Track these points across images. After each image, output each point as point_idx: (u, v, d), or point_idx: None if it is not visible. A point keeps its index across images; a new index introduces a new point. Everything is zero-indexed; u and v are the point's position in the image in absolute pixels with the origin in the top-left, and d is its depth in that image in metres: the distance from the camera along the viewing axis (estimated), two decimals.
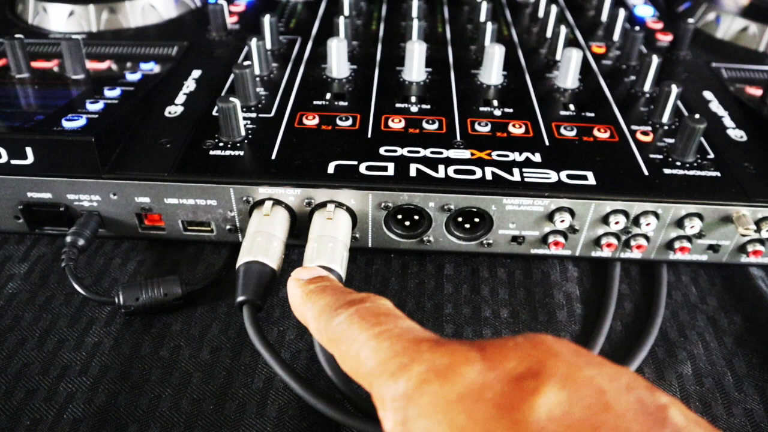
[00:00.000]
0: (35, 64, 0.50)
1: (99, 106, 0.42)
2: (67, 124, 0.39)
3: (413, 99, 0.48)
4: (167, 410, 0.33)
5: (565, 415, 0.19)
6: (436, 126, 0.44)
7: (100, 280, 0.41)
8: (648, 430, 0.19)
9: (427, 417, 0.21)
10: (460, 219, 0.41)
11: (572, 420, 0.19)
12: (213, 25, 0.58)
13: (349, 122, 0.44)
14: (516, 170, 0.40)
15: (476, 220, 0.41)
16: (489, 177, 0.39)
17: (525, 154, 0.41)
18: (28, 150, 0.38)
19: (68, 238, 0.39)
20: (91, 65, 0.50)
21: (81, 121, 0.39)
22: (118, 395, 0.33)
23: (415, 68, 0.50)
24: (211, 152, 0.40)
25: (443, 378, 0.21)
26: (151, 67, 0.51)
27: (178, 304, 0.38)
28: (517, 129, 0.44)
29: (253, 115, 0.45)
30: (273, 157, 0.40)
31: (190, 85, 0.49)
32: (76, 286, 0.37)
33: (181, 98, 0.47)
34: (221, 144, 0.41)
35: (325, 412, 0.30)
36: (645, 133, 0.44)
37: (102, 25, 0.58)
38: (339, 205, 0.39)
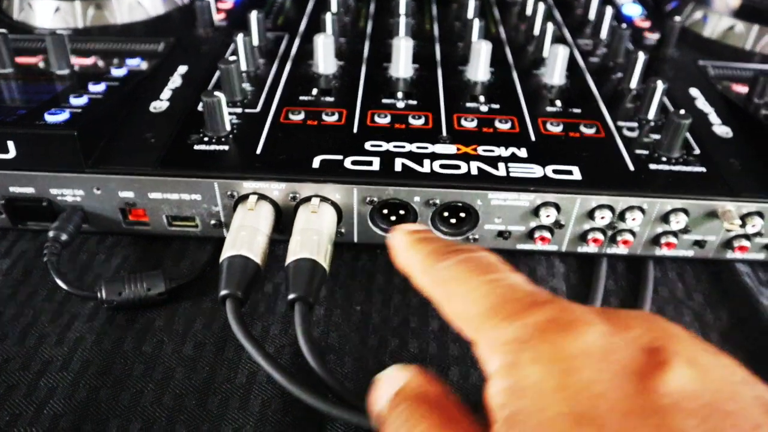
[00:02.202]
0: (20, 60, 0.49)
1: (83, 100, 0.41)
2: (49, 118, 0.38)
3: (400, 95, 0.48)
4: (149, 405, 0.32)
5: (696, 395, 0.19)
6: (422, 121, 0.44)
7: (84, 275, 0.40)
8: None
9: (541, 363, 0.20)
10: (445, 214, 0.40)
11: (703, 401, 0.19)
12: (200, 22, 0.57)
13: (335, 117, 0.44)
14: (501, 165, 0.39)
15: (462, 215, 0.40)
16: (474, 172, 0.39)
17: (511, 149, 0.41)
18: (10, 144, 0.37)
19: (51, 233, 0.38)
20: (76, 61, 0.50)
21: (64, 115, 0.39)
22: (100, 390, 0.33)
23: (401, 64, 0.50)
24: (196, 147, 0.40)
25: (565, 330, 0.21)
26: (137, 63, 0.50)
27: (161, 300, 0.38)
28: (503, 124, 0.44)
29: (239, 110, 0.44)
30: (258, 151, 0.40)
31: (176, 81, 0.48)
32: (58, 281, 0.37)
33: (166, 93, 0.46)
34: (206, 138, 0.41)
35: (309, 402, 0.29)
36: (631, 129, 0.44)
37: (88, 21, 0.58)
38: (324, 199, 0.39)
